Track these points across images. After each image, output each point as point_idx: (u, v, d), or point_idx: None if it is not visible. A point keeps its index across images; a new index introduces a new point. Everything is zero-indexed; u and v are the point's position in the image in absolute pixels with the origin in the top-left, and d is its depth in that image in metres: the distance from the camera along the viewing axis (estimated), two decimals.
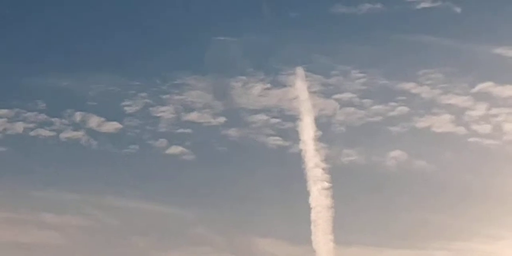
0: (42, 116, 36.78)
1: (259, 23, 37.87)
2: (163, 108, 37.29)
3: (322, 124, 34.29)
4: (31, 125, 37.06)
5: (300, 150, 32.31)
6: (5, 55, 39.66)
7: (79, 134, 37.46)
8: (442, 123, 35.64)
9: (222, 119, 37.79)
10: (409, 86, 35.14)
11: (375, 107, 35.68)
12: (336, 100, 36.02)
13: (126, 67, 40.45)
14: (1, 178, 36.11)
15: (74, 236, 37.23)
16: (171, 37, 39.67)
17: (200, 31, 38.05)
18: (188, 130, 37.07)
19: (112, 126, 37.45)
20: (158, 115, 37.45)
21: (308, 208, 29.84)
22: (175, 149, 37.23)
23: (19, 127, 37.44)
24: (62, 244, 36.49)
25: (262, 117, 36.98)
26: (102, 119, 37.35)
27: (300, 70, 34.58)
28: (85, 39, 39.80)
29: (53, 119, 36.98)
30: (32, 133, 36.65)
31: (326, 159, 31.96)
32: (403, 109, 35.40)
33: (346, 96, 35.99)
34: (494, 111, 35.29)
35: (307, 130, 32.74)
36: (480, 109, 35.72)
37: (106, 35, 40.31)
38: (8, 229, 36.08)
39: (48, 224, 37.18)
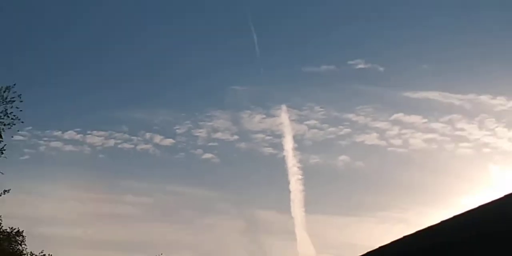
0: (126, 136, 52.75)
1: (258, 78, 54.70)
2: (200, 130, 53.19)
3: (297, 139, 50.32)
4: (119, 141, 53.24)
5: (284, 156, 48.72)
6: (104, 94, 57.89)
7: (148, 146, 53.65)
8: (371, 138, 50.99)
9: (236, 137, 53.80)
10: (351, 116, 50.90)
11: (330, 129, 51.09)
12: (306, 124, 50.91)
13: (176, 104, 60.30)
14: (101, 173, 55.40)
15: (147, 209, 56.71)
16: (206, 86, 58.45)
17: (222, 82, 56.05)
18: (215, 144, 53.67)
19: (169, 142, 53.17)
20: (196, 134, 53.11)
21: (288, 191, 45.35)
22: (207, 156, 53.49)
23: (112, 142, 53.65)
24: (137, 214, 56.36)
25: (260, 135, 52.88)
26: (162, 137, 53.20)
27: (284, 107, 50.54)
28: (153, 85, 58.61)
29: (132, 137, 53.10)
30: (119, 146, 52.98)
31: (299, 161, 48.81)
32: (347, 130, 51.02)
33: (312, 122, 51.01)
34: (403, 131, 50.64)
35: (288, 143, 48.38)
36: (395, 130, 50.84)
37: (167, 83, 59.49)
38: (105, 205, 55.24)
39: (128, 202, 56.88)
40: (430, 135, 50.07)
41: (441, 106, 49.62)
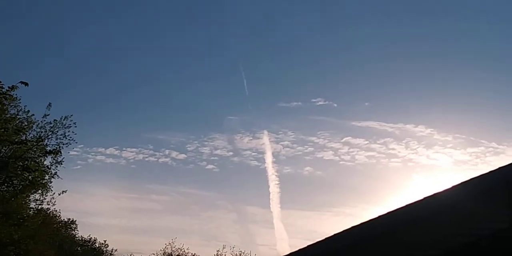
0: (151, 152, 67.70)
1: (247, 110, 71.30)
2: (204, 148, 68.44)
3: (275, 155, 64.87)
4: (146, 155, 67.55)
5: (265, 167, 63.44)
6: (135, 120, 76.40)
7: (167, 159, 68.58)
8: (328, 155, 66.73)
9: (231, 153, 71.15)
10: (313, 138, 65.74)
11: (298, 148, 64.96)
12: (281, 144, 65.03)
13: (188, 129, 78.41)
14: (133, 179, 70.72)
15: (166, 205, 72.67)
16: (209, 116, 76.22)
17: (221, 113, 74.94)
18: (216, 158, 70.46)
19: (182, 156, 68.27)
20: (202, 151, 68.16)
21: (268, 192, 58.48)
22: (210, 166, 68.94)
23: (141, 156, 67.66)
24: (158, 208, 73.04)
25: (248, 152, 69.34)
26: (177, 152, 67.75)
27: (265, 131, 66.29)
28: (171, 115, 77.71)
29: (156, 153, 67.76)
30: (146, 159, 67.71)
31: (277, 171, 64.84)
32: (311, 149, 66.02)
33: (285, 143, 65.04)
34: (351, 150, 65.98)
35: (268, 158, 63.05)
36: (345, 149, 66.86)
37: (180, 113, 77.27)
38: (135, 202, 73.51)
39: (152, 199, 72.97)
40: (370, 153, 68.75)
41: (378, 132, 67.72)
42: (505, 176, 7.91)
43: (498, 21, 61.72)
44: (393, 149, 64.82)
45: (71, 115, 30.50)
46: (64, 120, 30.11)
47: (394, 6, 65.22)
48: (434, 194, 7.95)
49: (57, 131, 29.85)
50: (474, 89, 68.71)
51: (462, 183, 7.87)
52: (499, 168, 7.89)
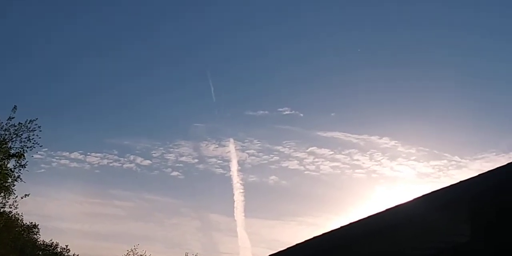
0: (116, 157, 66.69)
1: (213, 118, 70.83)
2: (170, 155, 67.62)
3: (240, 163, 64.86)
4: (110, 161, 66.96)
5: (230, 175, 63.97)
6: (101, 126, 76.57)
7: (132, 165, 68.11)
8: (293, 164, 65.62)
9: (196, 160, 70.12)
10: (279, 147, 65.60)
11: (264, 157, 65.65)
12: (247, 153, 65.32)
13: (153, 135, 77.09)
14: (97, 184, 71.06)
15: (129, 211, 71.43)
16: (175, 123, 76.66)
17: (187, 120, 75.45)
18: (181, 165, 69.41)
19: (147, 162, 67.52)
20: (167, 157, 67.38)
21: (233, 201, 58.96)
22: (174, 173, 68.50)
23: (105, 161, 66.76)
24: (122, 214, 72.32)
25: (213, 159, 68.10)
26: (142, 158, 67.04)
27: (231, 139, 65.95)
28: (137, 120, 78.06)
29: (120, 158, 67.40)
30: (111, 164, 67.08)
31: (242, 179, 64.78)
32: (276, 158, 65.68)
33: (251, 151, 65.40)
34: (316, 160, 65.17)
35: (234, 166, 63.66)
36: (310, 158, 65.32)
37: (147, 119, 77.63)
38: (98, 207, 71.75)
39: (116, 205, 71.86)
40: (335, 163, 67.20)
41: (343, 143, 67.07)
42: (466, 190, 8.02)
43: (464, 34, 62.86)
44: (357, 160, 65.15)
45: (36, 119, 30.31)
46: (29, 123, 29.86)
47: (359, 16, 66.13)
48: (396, 206, 8.02)
49: (22, 134, 29.53)
50: (438, 103, 69.77)
51: (423, 195, 7.96)
52: (461, 181, 8.00)
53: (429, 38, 65.95)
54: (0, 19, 63.58)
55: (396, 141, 63.29)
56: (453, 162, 62.56)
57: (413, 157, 67.83)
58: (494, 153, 59.86)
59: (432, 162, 63.13)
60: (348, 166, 70.90)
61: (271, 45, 70.99)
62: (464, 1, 60.31)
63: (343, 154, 65.32)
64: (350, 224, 8.10)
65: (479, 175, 8.00)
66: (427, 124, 67.43)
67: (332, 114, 68.88)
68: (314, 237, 8.20)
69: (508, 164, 8.00)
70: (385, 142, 64.94)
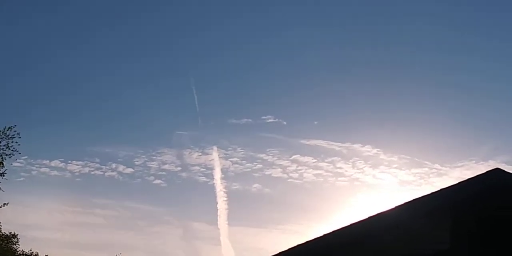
0: (97, 165, 61.99)
1: (197, 126, 64.99)
2: (152, 163, 62.81)
3: (224, 171, 60.79)
4: (92, 169, 62.03)
5: (214, 183, 58.57)
6: (82, 133, 68.18)
7: (114, 173, 63.52)
8: (276, 172, 61.12)
9: (179, 168, 64.84)
10: (262, 155, 60.03)
11: (247, 164, 60.91)
12: (230, 161, 60.44)
13: (136, 143, 71.51)
14: (78, 193, 65.58)
15: (111, 219, 66.54)
16: (158, 130, 69.79)
17: (170, 128, 69.67)
18: (164, 173, 64.23)
19: (129, 170, 62.67)
20: (150, 165, 62.10)
21: (216, 209, 54.34)
22: (157, 181, 63.95)
23: (86, 170, 61.56)
24: (103, 223, 66.02)
25: (197, 167, 63.16)
26: (125, 166, 62.42)
27: (215, 147, 61.15)
28: (119, 127, 71.29)
29: (102, 166, 62.41)
30: (92, 172, 62.21)
31: (225, 187, 58.40)
32: (260, 165, 60.68)
33: (234, 159, 60.50)
34: (299, 167, 60.38)
35: (217, 174, 58.36)
36: (293, 166, 60.99)
37: (129, 126, 70.69)
38: (79, 216, 66.26)
39: (97, 214, 66.64)
40: (318, 171, 61.99)
41: (326, 151, 63.36)
42: (447, 198, 8.22)
43: (442, 39, 64.29)
44: (340, 168, 65.70)
45: (15, 126, 29.70)
46: (7, 130, 29.30)
47: (343, 31, 67.19)
48: (378, 214, 8.18)
49: (0, 142, 29.10)
50: (420, 111, 70.74)
51: (405, 203, 8.13)
52: (441, 189, 8.20)
53: (408, 44, 67.10)
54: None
55: (378, 149, 63.92)
56: (434, 170, 63.34)
57: (395, 165, 68.68)
58: (474, 161, 60.75)
59: (414, 170, 63.80)
60: (331, 174, 71.30)
61: (255, 55, 71.52)
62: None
63: (326, 162, 65.77)
64: (333, 232, 8.26)
65: (459, 183, 8.20)
66: (408, 132, 68.15)
67: (315, 122, 69.22)
68: (297, 245, 8.32)
69: (487, 172, 8.20)
70: (368, 150, 65.34)
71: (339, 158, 66.73)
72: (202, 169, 68.50)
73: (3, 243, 46.23)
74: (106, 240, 69.74)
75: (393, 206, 8.32)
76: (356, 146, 65.10)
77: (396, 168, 64.59)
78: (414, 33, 62.61)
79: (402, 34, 64.36)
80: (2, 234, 46.11)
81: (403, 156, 63.60)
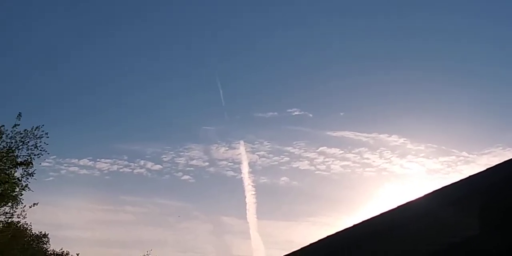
0: (126, 162, 67.14)
1: (223, 120, 71.17)
2: (180, 159, 68.36)
3: (251, 165, 65.74)
4: (120, 166, 67.20)
5: (241, 177, 64.62)
6: (110, 131, 75.85)
7: (142, 170, 68.63)
8: (304, 165, 66.18)
9: (207, 163, 70.18)
10: (289, 148, 65.43)
11: (274, 158, 65.77)
12: (257, 154, 65.76)
13: (163, 139, 77.37)
14: (107, 191, 72.14)
15: (141, 216, 72.43)
16: (185, 126, 75.70)
17: (197, 123, 72.74)
18: (191, 168, 69.38)
19: (157, 167, 67.60)
20: (178, 161, 68.57)
21: (245, 203, 59.16)
22: (185, 177, 68.73)
23: (115, 167, 67.34)
24: (133, 220, 72.21)
25: (224, 162, 69.09)
26: (153, 163, 67.58)
27: (241, 142, 66.79)
28: (146, 125, 76.43)
29: (130, 164, 67.45)
30: (121, 170, 67.15)
31: (253, 181, 63.47)
32: (287, 158, 65.93)
33: (261, 153, 65.79)
34: (326, 159, 65.70)
35: (245, 168, 63.94)
36: (320, 158, 65.72)
37: (156, 123, 77.34)
38: (109, 214, 72.16)
39: (127, 211, 72.93)
40: (345, 162, 67.64)
41: (353, 142, 66.39)
42: (475, 184, 8.26)
43: (474, 26, 63.44)
44: (367, 158, 65.59)
45: (43, 125, 30.33)
46: (35, 130, 29.91)
47: (367, 22, 66.71)
48: (407, 203, 8.25)
49: (28, 142, 29.63)
50: (445, 99, 70.36)
51: (433, 192, 8.20)
52: (469, 176, 8.24)
53: (432, 34, 66.36)
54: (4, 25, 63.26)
55: (405, 139, 63.72)
56: (461, 158, 63.01)
57: (422, 154, 68.37)
58: (501, 148, 60.33)
59: (441, 158, 63.47)
60: (358, 165, 71.24)
61: (279, 48, 71.57)
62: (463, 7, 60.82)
63: (353, 153, 65.74)
64: (362, 222, 8.33)
65: (487, 169, 8.24)
66: (434, 121, 67.90)
67: (341, 113, 69.44)
68: (327, 237, 8.45)
69: None
70: (394, 140, 65.32)
71: (366, 149, 66.46)
72: (230, 164, 68.63)
73: (34, 243, 47.05)
74: (136, 237, 70.40)
75: (421, 195, 8.38)
76: (383, 136, 64.71)
77: (423, 157, 64.09)
78: (439, 23, 62.24)
79: (427, 24, 63.92)
80: (33, 234, 46.93)
81: (430, 144, 63.10)
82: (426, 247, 8.15)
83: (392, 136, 65.35)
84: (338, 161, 68.50)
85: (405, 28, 67.56)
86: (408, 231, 8.25)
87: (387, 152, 65.80)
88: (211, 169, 69.88)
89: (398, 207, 8.31)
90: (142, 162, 68.65)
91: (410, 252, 8.12)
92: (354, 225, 8.37)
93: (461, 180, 8.21)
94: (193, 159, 69.42)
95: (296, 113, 66.02)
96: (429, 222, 8.29)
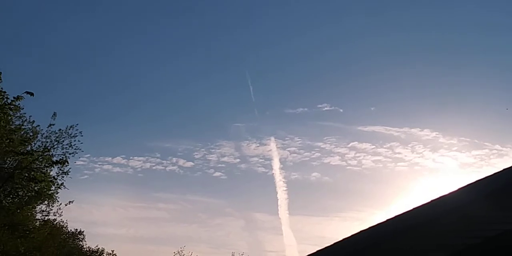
0: (158, 160, 68.02)
1: (254, 117, 71.63)
2: (212, 156, 69.01)
3: (282, 161, 65.53)
4: (153, 164, 68.29)
5: (272, 173, 64.80)
6: (142, 129, 75.75)
7: (174, 168, 69.66)
8: (335, 160, 66.79)
9: (238, 160, 70.35)
10: (320, 144, 66.15)
11: (305, 153, 65.91)
12: (288, 150, 65.76)
13: (195, 137, 79.52)
14: (140, 188, 71.98)
15: (173, 213, 73.14)
16: (215, 123, 76.52)
17: (227, 120, 74.50)
18: (223, 165, 70.63)
19: (189, 164, 68.57)
20: (209, 158, 68.92)
21: (276, 199, 59.08)
22: (217, 174, 69.41)
23: (148, 165, 68.42)
24: (166, 217, 72.85)
25: (255, 159, 69.31)
26: (185, 160, 69.35)
27: (272, 138, 67.18)
28: (178, 123, 77.71)
29: (163, 161, 68.55)
30: (153, 168, 68.00)
31: (284, 177, 63.83)
32: (318, 154, 66.19)
33: (292, 149, 65.85)
34: (357, 154, 65.98)
35: (275, 164, 63.64)
36: (351, 153, 65.83)
37: (187, 121, 78.53)
38: (142, 211, 73.03)
39: (159, 208, 74.09)
40: (377, 157, 68.39)
41: (384, 137, 67.19)
42: (509, 177, 8.17)
43: (507, 19, 62.19)
44: (399, 153, 65.07)
45: (77, 124, 30.87)
46: (69, 129, 30.47)
47: (398, 17, 65.94)
48: (441, 197, 8.20)
49: (63, 141, 30.16)
50: (477, 92, 69.27)
51: (467, 185, 8.13)
52: (504, 169, 8.15)
53: (462, 28, 65.43)
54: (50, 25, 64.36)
55: (437, 133, 63.07)
56: (495, 151, 62.01)
57: (455, 148, 67.57)
58: None
59: (474, 152, 62.56)
60: (390, 160, 71.08)
61: (308, 43, 71.56)
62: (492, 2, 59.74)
63: (385, 148, 65.42)
64: (395, 217, 8.30)
65: None
66: (467, 114, 66.84)
67: (372, 108, 69.18)
68: (360, 232, 8.42)
69: None
70: (426, 134, 64.60)
71: (398, 143, 66.02)
72: (261, 160, 68.96)
73: (70, 241, 47.92)
74: (170, 233, 71.27)
75: (454, 189, 8.31)
76: (415, 130, 64.04)
77: (456, 150, 63.26)
78: (471, 16, 61.18)
79: (457, 18, 62.93)
80: (69, 232, 47.81)
81: (462, 138, 62.21)
82: (460, 241, 8.08)
83: (424, 130, 64.70)
84: (370, 156, 68.10)
85: (436, 21, 66.75)
86: (442, 225, 8.20)
87: (419, 146, 65.13)
88: (242, 165, 70.46)
89: (432, 201, 8.26)
90: (174, 159, 69.53)
91: (445, 246, 8.06)
92: (387, 220, 8.34)
93: (494, 174, 8.13)
94: (224, 156, 70.13)
95: (326, 108, 65.97)
96: (463, 216, 8.23)
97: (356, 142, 66.34)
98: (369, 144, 66.83)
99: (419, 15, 66.54)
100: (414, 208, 8.14)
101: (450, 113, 65.74)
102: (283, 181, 62.36)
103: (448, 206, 8.15)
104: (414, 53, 66.12)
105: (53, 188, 29.76)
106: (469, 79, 64.61)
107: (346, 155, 67.39)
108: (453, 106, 67.56)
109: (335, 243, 8.43)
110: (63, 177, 29.91)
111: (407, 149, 66.24)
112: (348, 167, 67.04)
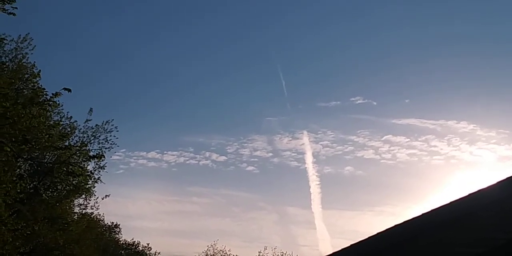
0: (191, 154, 69.65)
1: (286, 111, 71.64)
2: (244, 150, 69.94)
3: (315, 155, 64.99)
4: (187, 158, 69.63)
5: (305, 167, 64.77)
6: (176, 125, 78.18)
7: (208, 162, 70.54)
8: (368, 154, 66.21)
9: (270, 154, 71.27)
10: (353, 137, 66.41)
11: (338, 147, 65.96)
12: (321, 144, 65.83)
13: (227, 131, 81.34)
14: (174, 182, 73.25)
15: (207, 207, 74.02)
16: (248, 118, 77.62)
17: (259, 115, 74.47)
18: (256, 159, 71.63)
19: (222, 158, 69.39)
20: (242, 153, 69.99)
21: (309, 193, 58.92)
22: (250, 168, 70.35)
23: (181, 159, 69.51)
24: (199, 210, 74.42)
25: (288, 153, 69.87)
26: (218, 155, 70.28)
27: (305, 132, 67.23)
28: (210, 118, 79.21)
29: (196, 155, 70.40)
30: (187, 162, 69.34)
31: (317, 171, 63.81)
32: (351, 148, 65.75)
33: (325, 142, 65.85)
34: (391, 148, 65.01)
35: (308, 158, 63.56)
36: (386, 147, 65.10)
37: (220, 116, 79.07)
38: (176, 204, 74.18)
39: (193, 202, 77.91)
40: (411, 151, 70.35)
41: (419, 129, 68.68)
42: None
43: None
44: (435, 146, 64.01)
45: (112, 120, 31.21)
46: (105, 124, 30.83)
47: (431, 11, 64.79)
48: (479, 191, 7.97)
49: (99, 136, 30.57)
50: None
51: (506, 179, 7.88)
52: None
53: (499, 18, 63.99)
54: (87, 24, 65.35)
55: (475, 125, 61.65)
56: None
57: (493, 140, 66.23)
58: None
59: None
60: (425, 153, 69.81)
61: (339, 36, 70.94)
62: None
63: (420, 141, 64.34)
64: (431, 211, 8.11)
65: None
66: (505, 106, 65.25)
67: (407, 100, 67.99)
68: (395, 226, 8.24)
69: None
70: (463, 126, 63.36)
71: (433, 136, 64.80)
72: (293, 154, 68.79)
73: (107, 233, 48.66)
74: (203, 227, 71.79)
75: (493, 183, 8.07)
76: (451, 122, 62.71)
77: (494, 143, 62.00)
78: (508, 6, 59.63)
79: (492, 8, 61.49)
80: (106, 225, 48.54)
81: (501, 130, 60.79)
82: (499, 236, 7.85)
83: (461, 122, 63.27)
84: (404, 149, 67.23)
85: (470, 13, 65.32)
86: (480, 219, 7.98)
87: (456, 139, 63.93)
88: (275, 159, 70.47)
89: (469, 195, 8.04)
90: (207, 154, 70.10)
91: (483, 240, 7.84)
92: (423, 214, 8.15)
93: None
94: (257, 150, 70.36)
95: (359, 101, 65.32)
96: (502, 210, 7.99)
97: (390, 135, 65.67)
98: (404, 137, 65.92)
99: (454, 8, 65.21)
100: (451, 202, 7.92)
101: (488, 104, 64.22)
102: (316, 175, 62.11)
103: (486, 200, 7.92)
104: (449, 45, 65.13)
105: (90, 182, 30.20)
106: (507, 70, 63.01)
107: (380, 149, 66.82)
108: (491, 98, 66.13)
109: (370, 237, 8.31)
110: (99, 171, 30.34)
111: (443, 142, 65.28)
112: (382, 161, 66.36)
